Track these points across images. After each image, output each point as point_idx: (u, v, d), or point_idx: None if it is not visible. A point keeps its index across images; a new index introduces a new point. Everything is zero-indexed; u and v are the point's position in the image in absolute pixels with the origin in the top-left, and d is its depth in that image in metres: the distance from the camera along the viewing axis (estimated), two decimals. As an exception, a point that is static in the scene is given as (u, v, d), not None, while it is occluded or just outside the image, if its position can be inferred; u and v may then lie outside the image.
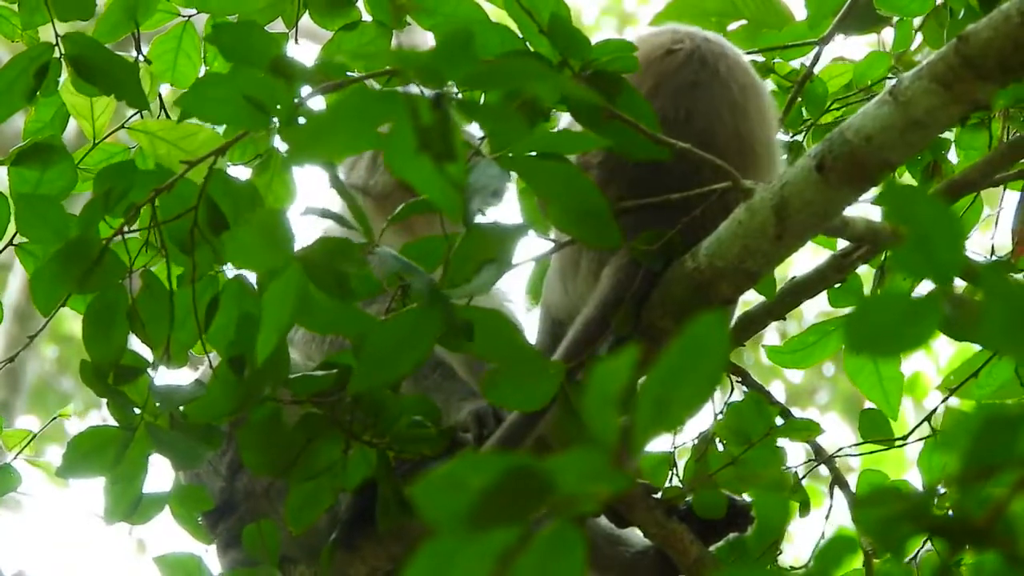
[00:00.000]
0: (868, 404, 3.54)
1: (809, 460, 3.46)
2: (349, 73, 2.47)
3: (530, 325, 3.45)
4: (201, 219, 2.72)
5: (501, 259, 2.49)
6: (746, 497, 3.32)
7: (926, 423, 3.45)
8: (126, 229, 2.78)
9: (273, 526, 3.08)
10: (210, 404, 2.75)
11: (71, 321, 9.72)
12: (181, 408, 2.81)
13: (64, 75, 3.14)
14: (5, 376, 8.06)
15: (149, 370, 2.85)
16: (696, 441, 3.35)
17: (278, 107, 2.39)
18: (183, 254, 2.76)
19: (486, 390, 2.63)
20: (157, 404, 2.81)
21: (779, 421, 3.31)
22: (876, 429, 3.46)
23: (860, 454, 3.51)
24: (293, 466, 2.82)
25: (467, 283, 2.50)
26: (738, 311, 3.27)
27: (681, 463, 3.37)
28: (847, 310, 3.48)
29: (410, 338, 2.50)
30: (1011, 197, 3.55)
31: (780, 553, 3.32)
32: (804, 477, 3.39)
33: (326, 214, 2.68)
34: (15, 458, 3.44)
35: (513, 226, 2.55)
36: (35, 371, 9.40)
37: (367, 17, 3.31)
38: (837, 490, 3.38)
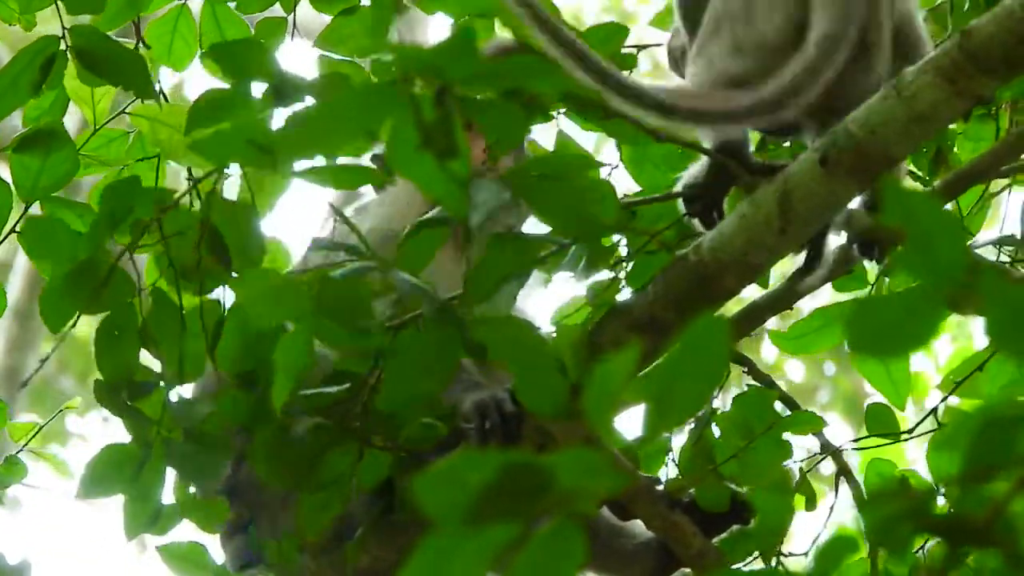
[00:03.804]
0: (869, 402, 3.53)
1: (814, 454, 3.45)
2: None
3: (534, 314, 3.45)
4: (203, 244, 2.75)
5: (521, 273, 2.50)
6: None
7: (931, 417, 3.45)
8: (134, 249, 2.81)
9: (294, 541, 3.10)
10: (222, 418, 2.77)
11: (71, 321, 9.71)
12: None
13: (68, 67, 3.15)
14: (5, 376, 8.06)
15: (162, 384, 2.87)
16: (692, 425, 3.34)
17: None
18: (187, 279, 2.79)
19: (518, 393, 2.63)
20: (174, 420, 2.83)
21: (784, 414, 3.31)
22: (882, 423, 3.45)
23: (865, 448, 3.50)
24: (305, 477, 2.84)
25: (487, 301, 2.50)
26: (739, 304, 3.27)
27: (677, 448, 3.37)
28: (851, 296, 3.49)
29: (431, 359, 2.52)
30: (1016, 197, 3.56)
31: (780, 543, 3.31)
32: (809, 471, 3.39)
33: (335, 246, 2.70)
34: (20, 451, 3.45)
35: (535, 237, 2.56)
36: (35, 371, 9.39)
37: (366, 2, 3.31)
38: (842, 485, 3.38)
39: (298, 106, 2.41)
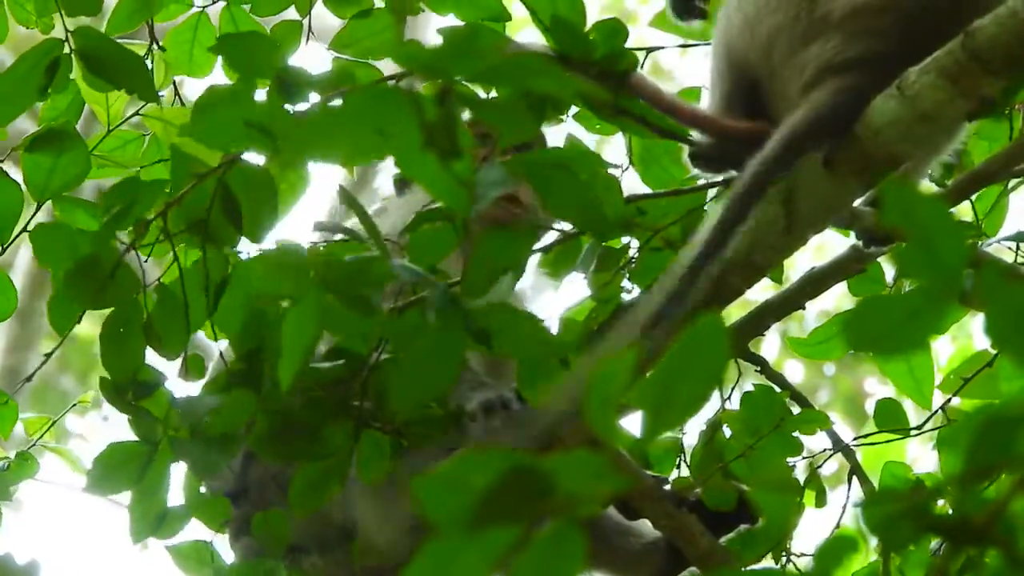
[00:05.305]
0: (871, 402, 3.52)
1: (823, 450, 3.45)
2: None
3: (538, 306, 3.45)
4: (216, 206, 2.72)
5: (516, 264, 2.49)
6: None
7: (936, 416, 3.45)
8: (137, 244, 2.80)
9: (282, 515, 3.08)
10: (228, 415, 2.76)
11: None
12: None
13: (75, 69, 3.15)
14: (6, 376, 8.08)
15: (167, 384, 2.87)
16: (704, 427, 3.34)
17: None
18: (197, 240, 2.77)
19: (520, 387, 2.62)
20: (180, 419, 2.83)
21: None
22: (892, 420, 3.44)
23: (870, 444, 3.49)
24: (300, 450, 2.83)
25: (484, 292, 2.49)
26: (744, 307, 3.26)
27: (689, 450, 3.37)
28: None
29: (437, 353, 2.51)
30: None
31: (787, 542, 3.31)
32: (820, 467, 3.39)
33: (339, 229, 2.69)
34: (33, 445, 3.47)
35: (525, 229, 2.55)
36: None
37: (380, 4, 3.32)
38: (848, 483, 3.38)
39: (304, 104, 2.41)
